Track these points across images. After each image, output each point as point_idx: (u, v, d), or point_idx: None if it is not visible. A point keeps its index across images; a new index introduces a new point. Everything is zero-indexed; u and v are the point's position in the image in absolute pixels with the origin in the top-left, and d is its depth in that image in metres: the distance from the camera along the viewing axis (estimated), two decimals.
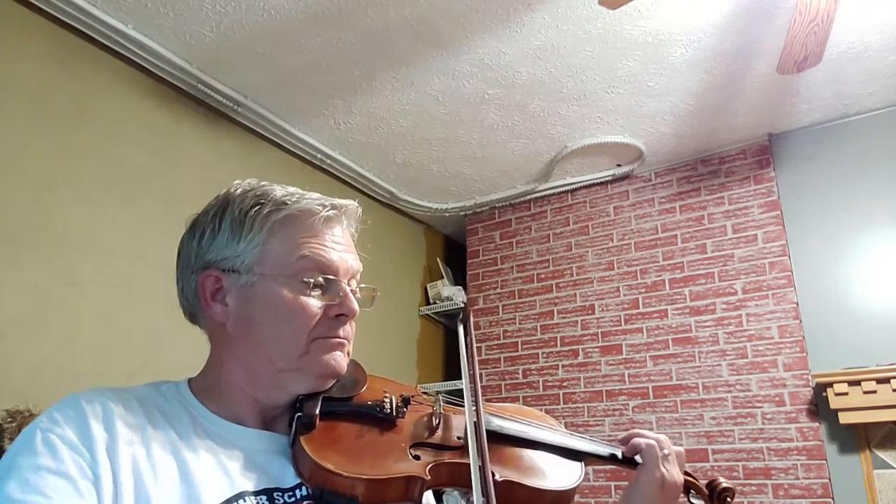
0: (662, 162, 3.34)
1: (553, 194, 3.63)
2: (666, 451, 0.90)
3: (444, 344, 3.98)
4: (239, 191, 0.80)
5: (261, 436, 0.75)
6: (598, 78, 2.64)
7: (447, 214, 3.87)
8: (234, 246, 0.76)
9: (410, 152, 3.22)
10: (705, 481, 0.98)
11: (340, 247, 0.80)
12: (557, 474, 0.84)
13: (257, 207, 0.77)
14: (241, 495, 0.66)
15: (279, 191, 0.80)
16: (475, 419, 0.73)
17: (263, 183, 0.81)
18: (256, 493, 0.68)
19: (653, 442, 0.91)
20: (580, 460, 0.89)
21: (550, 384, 3.34)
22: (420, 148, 3.17)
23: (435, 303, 3.83)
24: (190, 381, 0.79)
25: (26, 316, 1.93)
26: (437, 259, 4.01)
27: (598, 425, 3.15)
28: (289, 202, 0.77)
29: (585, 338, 3.34)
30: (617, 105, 2.84)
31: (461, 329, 0.86)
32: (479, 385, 0.78)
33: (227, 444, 0.71)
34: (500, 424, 0.86)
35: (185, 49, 2.38)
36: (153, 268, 2.27)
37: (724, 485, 0.95)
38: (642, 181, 3.42)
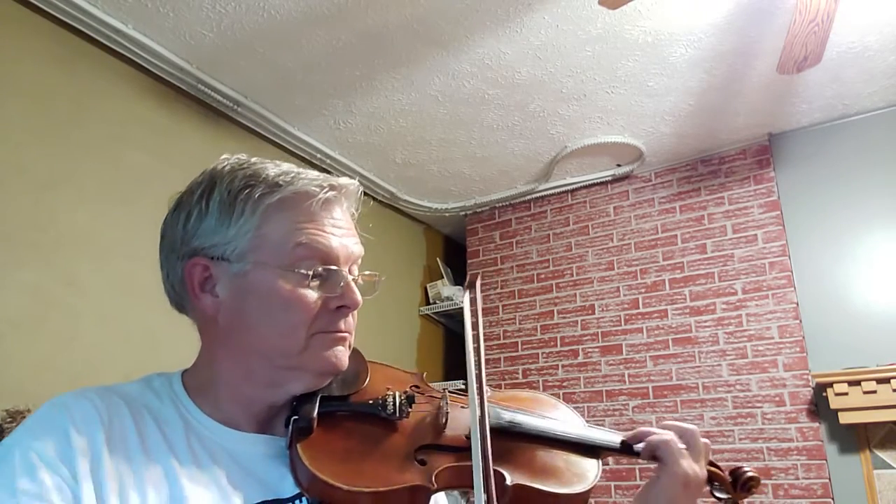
0: (662, 162, 3.34)
1: (553, 194, 3.63)
2: (682, 446, 0.82)
3: (444, 344, 3.98)
4: (227, 168, 0.73)
5: (257, 440, 0.71)
6: (598, 78, 2.64)
7: (447, 214, 3.87)
8: (223, 231, 0.70)
9: (410, 152, 3.21)
10: (728, 469, 0.89)
11: (340, 231, 0.73)
12: (574, 475, 0.79)
13: (248, 189, 0.70)
14: None
15: (272, 169, 0.72)
16: (479, 412, 0.66)
17: (254, 160, 0.74)
18: None
19: (666, 437, 0.83)
20: (598, 457, 0.83)
21: (550, 384, 3.34)
22: (420, 148, 3.17)
23: (435, 303, 3.83)
24: (184, 375, 0.74)
25: (26, 316, 1.93)
26: (437, 259, 4.01)
27: (598, 425, 3.14)
28: (282, 183, 0.71)
29: (585, 338, 3.34)
30: (617, 105, 2.84)
31: (467, 297, 0.77)
32: (483, 366, 0.70)
33: (221, 452, 0.67)
34: (511, 419, 0.79)
35: (185, 49, 2.38)
36: (153, 268, 2.25)
37: (749, 474, 0.88)
38: (642, 181, 3.42)
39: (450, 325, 3.98)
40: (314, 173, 0.74)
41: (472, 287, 0.78)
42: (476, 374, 0.68)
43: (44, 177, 2.05)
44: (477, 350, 0.71)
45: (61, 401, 0.63)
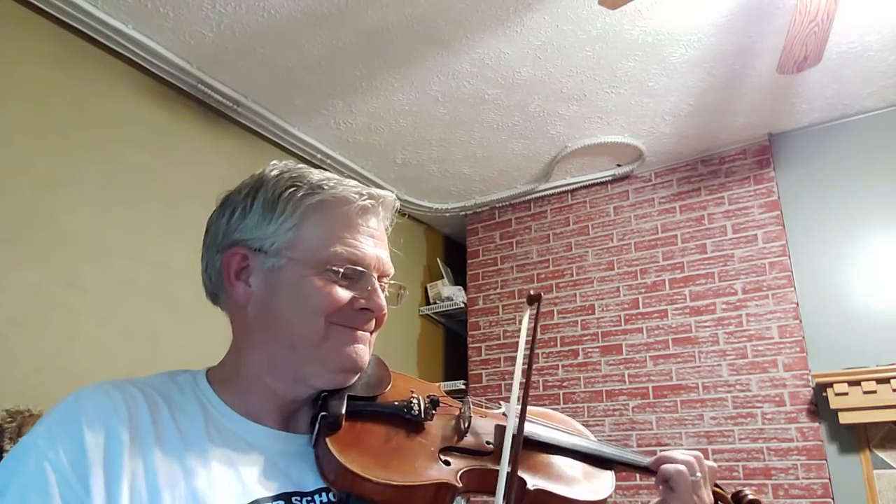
0: (662, 162, 3.34)
1: (553, 194, 3.63)
2: (698, 476, 0.86)
3: (444, 344, 3.98)
4: (274, 172, 0.77)
5: (278, 436, 0.71)
6: (598, 78, 2.64)
7: (447, 214, 3.87)
8: (264, 227, 0.73)
9: (410, 152, 3.22)
10: (731, 493, 0.95)
11: (374, 241, 0.76)
12: (589, 483, 0.83)
13: (292, 189, 0.74)
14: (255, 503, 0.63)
15: (316, 174, 0.76)
16: (516, 421, 0.71)
17: (300, 165, 0.79)
18: (274, 499, 0.64)
19: (682, 468, 0.85)
20: (611, 469, 0.88)
21: (550, 384, 3.34)
22: (420, 148, 3.17)
23: (435, 303, 3.83)
24: (209, 371, 0.76)
25: (27, 316, 1.93)
26: (437, 259, 4.01)
27: (598, 425, 3.15)
28: (325, 187, 0.74)
29: (585, 338, 3.34)
30: (617, 105, 2.84)
31: (526, 317, 0.83)
32: (529, 381, 0.75)
33: (242, 444, 0.68)
34: (531, 430, 0.82)
35: (185, 49, 2.38)
36: (153, 267, 2.27)
37: (751, 497, 0.93)
38: (642, 181, 3.42)
39: (450, 325, 3.98)
40: (354, 182, 0.78)
41: (534, 303, 0.83)
42: (521, 384, 0.73)
43: (44, 177, 2.05)
44: (527, 366, 0.76)
45: (77, 402, 0.63)
